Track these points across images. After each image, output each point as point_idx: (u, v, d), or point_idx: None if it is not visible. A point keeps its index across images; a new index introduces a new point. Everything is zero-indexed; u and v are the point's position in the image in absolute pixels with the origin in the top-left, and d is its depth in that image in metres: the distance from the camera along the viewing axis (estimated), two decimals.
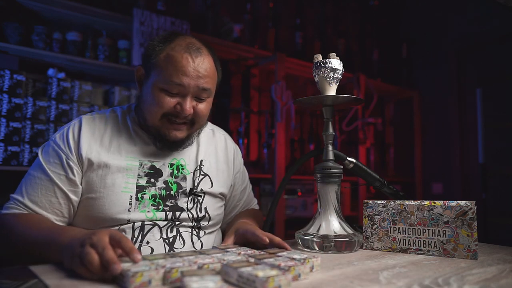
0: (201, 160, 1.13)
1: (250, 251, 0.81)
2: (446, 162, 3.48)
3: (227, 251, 0.81)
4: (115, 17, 2.26)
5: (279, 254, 0.78)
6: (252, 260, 0.72)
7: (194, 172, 1.10)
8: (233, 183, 1.21)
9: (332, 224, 0.99)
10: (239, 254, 0.78)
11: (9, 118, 1.88)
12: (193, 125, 1.05)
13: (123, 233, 0.96)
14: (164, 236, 1.01)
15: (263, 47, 3.01)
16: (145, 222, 1.00)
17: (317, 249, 0.95)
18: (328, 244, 0.94)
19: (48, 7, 2.13)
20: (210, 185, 1.12)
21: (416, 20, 3.90)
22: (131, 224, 0.98)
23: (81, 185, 0.98)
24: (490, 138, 2.77)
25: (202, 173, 1.12)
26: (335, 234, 0.96)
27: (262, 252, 0.80)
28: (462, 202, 0.96)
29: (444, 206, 0.93)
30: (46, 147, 1.01)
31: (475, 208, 0.90)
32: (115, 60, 2.28)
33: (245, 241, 0.95)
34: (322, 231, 0.97)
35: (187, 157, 1.11)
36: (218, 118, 2.86)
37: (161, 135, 1.02)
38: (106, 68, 2.27)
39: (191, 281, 0.56)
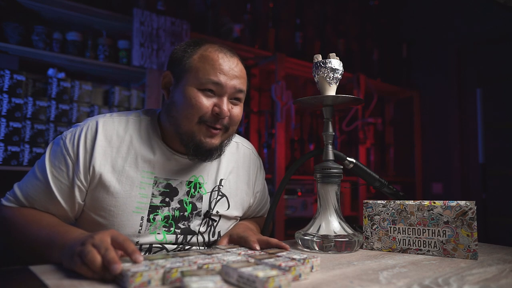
0: (221, 180, 1.07)
1: (250, 251, 0.81)
2: (446, 162, 3.48)
3: (228, 251, 0.81)
4: (115, 17, 2.26)
5: (279, 254, 0.78)
6: (252, 260, 0.72)
7: (211, 192, 1.04)
8: (251, 203, 1.17)
9: (332, 224, 0.99)
10: (239, 254, 0.78)
11: (9, 118, 1.88)
12: (227, 131, 0.98)
13: None
14: None
15: (263, 47, 3.01)
16: (153, 245, 0.95)
17: (317, 249, 0.95)
18: (328, 244, 0.94)
19: (48, 7, 2.13)
20: (227, 207, 1.06)
21: (416, 20, 3.90)
22: (138, 247, 0.93)
23: (83, 201, 0.93)
24: (490, 138, 2.77)
25: (220, 193, 1.06)
26: (335, 234, 0.96)
27: (262, 253, 0.81)
28: (462, 202, 0.96)
29: (444, 206, 0.93)
30: (54, 146, 0.94)
31: (475, 208, 0.90)
32: (115, 60, 2.28)
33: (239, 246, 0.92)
34: (322, 231, 0.97)
35: (206, 174, 1.04)
36: None
37: (196, 143, 0.94)
38: (106, 68, 2.27)
39: (191, 281, 0.56)
